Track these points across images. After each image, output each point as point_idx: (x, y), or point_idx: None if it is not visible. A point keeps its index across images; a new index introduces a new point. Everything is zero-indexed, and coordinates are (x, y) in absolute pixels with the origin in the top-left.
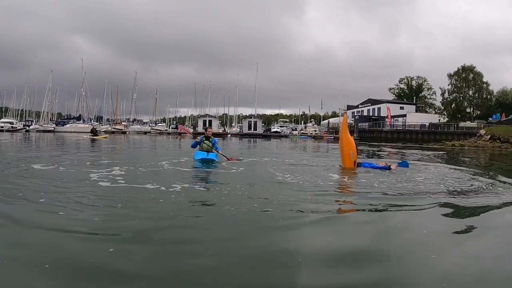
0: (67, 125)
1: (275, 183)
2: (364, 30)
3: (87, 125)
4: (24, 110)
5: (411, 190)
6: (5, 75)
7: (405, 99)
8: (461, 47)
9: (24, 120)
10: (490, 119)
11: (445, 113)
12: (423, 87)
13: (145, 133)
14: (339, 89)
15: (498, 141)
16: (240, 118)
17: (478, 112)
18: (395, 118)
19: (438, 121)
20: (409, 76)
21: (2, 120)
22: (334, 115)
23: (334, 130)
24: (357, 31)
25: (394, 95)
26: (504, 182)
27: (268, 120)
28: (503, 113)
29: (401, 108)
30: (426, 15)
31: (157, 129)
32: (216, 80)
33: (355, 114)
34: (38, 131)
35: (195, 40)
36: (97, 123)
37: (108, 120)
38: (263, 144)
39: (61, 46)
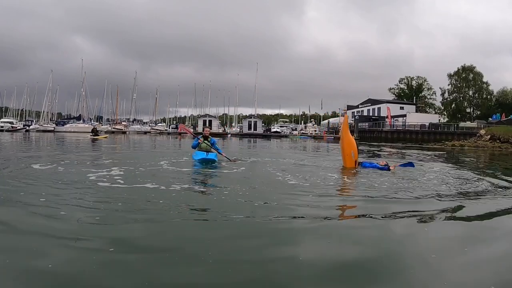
0: (67, 125)
1: (275, 183)
2: (363, 30)
3: (87, 125)
4: (24, 110)
5: (411, 191)
6: (5, 75)
7: (405, 99)
8: (461, 47)
9: (24, 120)
10: (490, 119)
11: (445, 113)
12: (423, 87)
13: (145, 133)
14: (339, 89)
15: (498, 141)
16: (240, 118)
17: (478, 112)
18: (395, 118)
19: (438, 121)
20: (409, 76)
21: (2, 120)
22: (334, 115)
23: (334, 130)
24: (356, 31)
25: (394, 95)
26: (504, 183)
27: (268, 120)
28: (503, 113)
29: (401, 108)
30: (425, 15)
31: (157, 129)
32: (216, 80)
33: (355, 114)
34: (38, 131)
35: (195, 40)
36: (97, 123)
37: (108, 120)
38: (263, 144)
39: (61, 46)
